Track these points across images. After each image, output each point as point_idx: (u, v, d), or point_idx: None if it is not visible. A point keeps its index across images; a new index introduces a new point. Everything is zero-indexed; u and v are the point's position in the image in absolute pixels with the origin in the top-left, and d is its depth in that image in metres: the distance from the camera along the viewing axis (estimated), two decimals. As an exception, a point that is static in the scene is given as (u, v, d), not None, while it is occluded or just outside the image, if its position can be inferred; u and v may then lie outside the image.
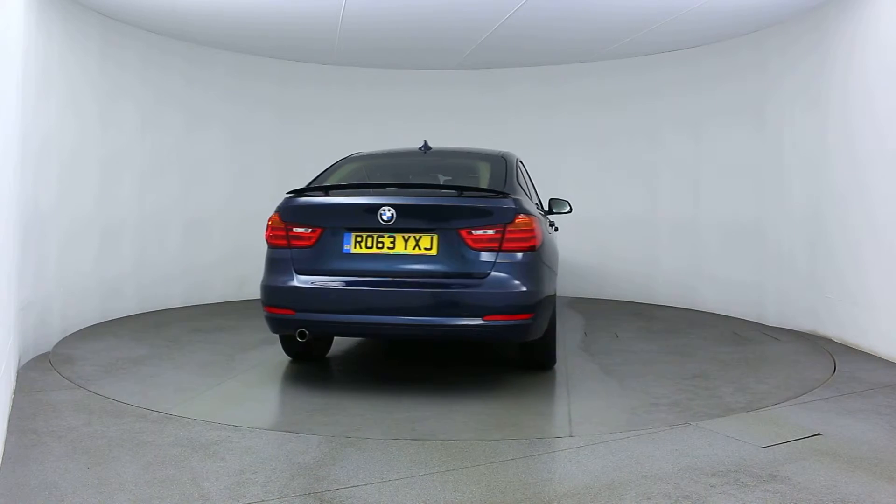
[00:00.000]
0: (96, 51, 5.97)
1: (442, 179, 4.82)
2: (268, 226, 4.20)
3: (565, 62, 7.94)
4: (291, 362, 4.75)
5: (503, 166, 4.52)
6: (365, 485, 2.62)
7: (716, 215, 7.08)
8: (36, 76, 4.87)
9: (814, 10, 5.85)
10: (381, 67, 8.17)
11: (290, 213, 4.13)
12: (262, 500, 2.48)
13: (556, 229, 5.85)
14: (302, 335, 4.00)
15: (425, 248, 3.88)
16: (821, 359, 4.94)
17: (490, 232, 3.85)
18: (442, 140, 7.21)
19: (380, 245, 3.93)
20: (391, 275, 3.89)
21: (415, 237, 3.89)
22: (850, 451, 3.03)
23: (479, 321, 3.76)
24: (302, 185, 4.37)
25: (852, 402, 3.82)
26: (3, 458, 2.82)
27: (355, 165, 4.82)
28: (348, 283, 3.92)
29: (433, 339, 4.94)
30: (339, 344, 5.32)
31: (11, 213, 3.67)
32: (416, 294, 3.82)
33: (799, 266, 6.10)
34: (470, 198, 3.95)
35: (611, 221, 7.88)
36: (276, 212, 4.18)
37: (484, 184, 4.38)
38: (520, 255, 3.87)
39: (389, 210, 3.86)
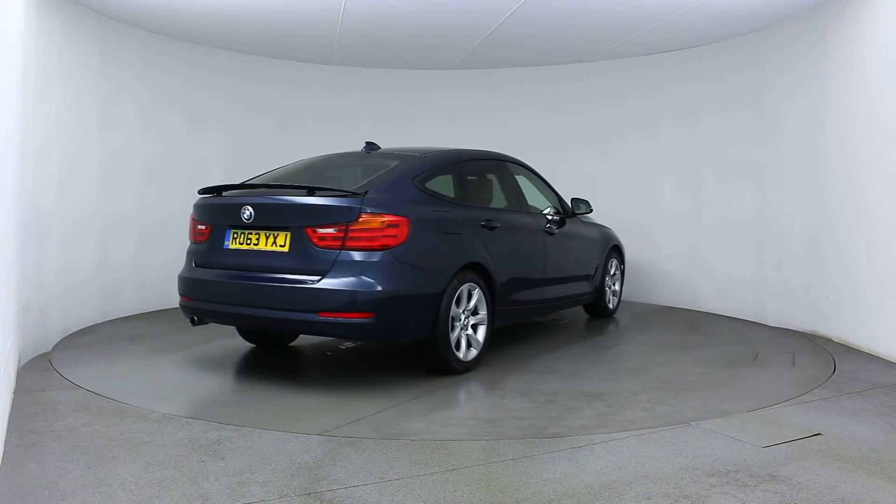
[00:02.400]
0: (96, 51, 5.96)
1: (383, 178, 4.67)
2: (189, 223, 4.62)
3: (565, 62, 7.93)
4: (253, 349, 5.02)
5: (410, 166, 4.46)
6: (365, 485, 2.62)
7: (715, 214, 7.08)
8: (36, 76, 4.87)
9: (813, 10, 5.85)
10: (382, 67, 8.16)
11: (196, 211, 4.54)
12: (262, 500, 2.48)
13: (552, 234, 5.55)
14: (193, 321, 4.41)
15: (280, 246, 4.08)
16: (820, 359, 4.94)
17: (333, 230, 3.94)
18: (440, 140, 7.22)
19: (248, 241, 4.20)
20: (253, 269, 4.16)
21: (273, 235, 4.11)
22: (850, 451, 3.03)
23: (313, 317, 3.89)
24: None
25: (852, 402, 3.82)
26: (3, 458, 2.82)
27: (288, 168, 5.03)
28: (223, 276, 4.25)
29: (285, 331, 5.01)
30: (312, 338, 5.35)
31: (11, 212, 3.67)
32: (264, 288, 4.05)
33: (798, 266, 6.10)
34: (318, 197, 4.06)
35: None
36: (192, 210, 4.58)
37: (372, 181, 4.26)
38: (367, 253, 3.91)
39: (248, 209, 4.11)
